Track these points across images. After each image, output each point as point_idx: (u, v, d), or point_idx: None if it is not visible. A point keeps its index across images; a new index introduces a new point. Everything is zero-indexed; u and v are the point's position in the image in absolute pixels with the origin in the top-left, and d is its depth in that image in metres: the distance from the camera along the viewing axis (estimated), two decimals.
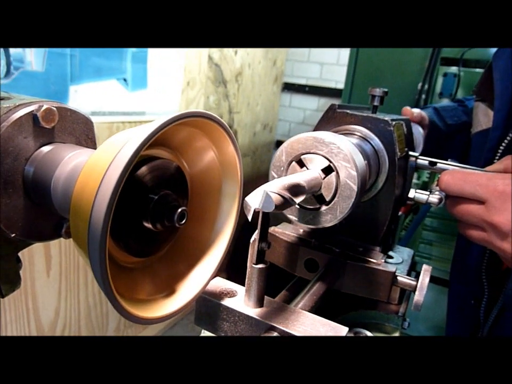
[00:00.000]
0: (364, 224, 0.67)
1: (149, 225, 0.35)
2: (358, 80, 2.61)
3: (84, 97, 1.78)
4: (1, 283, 0.42)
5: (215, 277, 0.44)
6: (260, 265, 0.42)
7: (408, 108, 1.12)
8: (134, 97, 2.03)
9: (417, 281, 0.60)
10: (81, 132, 0.45)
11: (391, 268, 0.61)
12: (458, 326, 1.07)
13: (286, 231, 0.68)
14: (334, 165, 0.48)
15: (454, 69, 2.42)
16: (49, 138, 0.42)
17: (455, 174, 0.63)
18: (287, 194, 0.38)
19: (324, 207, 0.49)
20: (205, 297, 0.45)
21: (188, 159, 0.43)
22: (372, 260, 0.62)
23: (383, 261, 0.63)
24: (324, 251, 0.64)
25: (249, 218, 0.35)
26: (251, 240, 0.41)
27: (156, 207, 0.35)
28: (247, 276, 0.42)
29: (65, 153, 0.40)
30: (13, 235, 0.40)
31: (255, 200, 0.35)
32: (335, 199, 0.48)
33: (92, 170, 0.31)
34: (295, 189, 0.40)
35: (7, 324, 1.68)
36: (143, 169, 0.35)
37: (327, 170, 0.49)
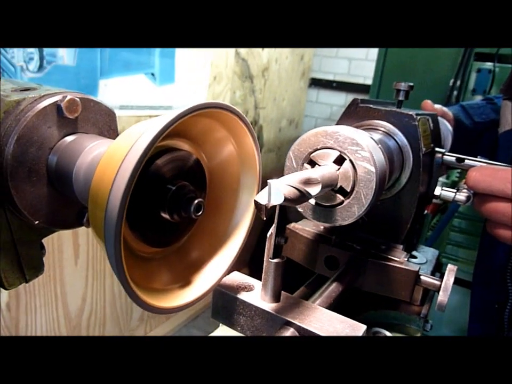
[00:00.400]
0: (387, 221, 0.65)
1: (166, 215, 0.35)
2: (387, 75, 2.55)
3: (113, 91, 1.82)
4: (25, 268, 0.44)
5: (231, 270, 0.44)
6: (277, 260, 0.41)
7: (428, 101, 1.08)
8: (162, 92, 2.06)
9: (441, 281, 0.58)
10: (104, 122, 0.46)
11: (414, 267, 0.59)
12: (481, 331, 1.04)
13: (306, 228, 0.67)
14: (344, 153, 0.46)
15: (488, 65, 2.30)
16: (72, 129, 0.43)
17: (483, 171, 0.61)
18: (300, 186, 0.37)
19: (346, 200, 0.47)
20: (222, 290, 0.45)
21: (206, 151, 0.43)
22: (394, 258, 0.60)
23: (406, 259, 0.62)
24: (344, 248, 0.62)
25: (263, 217, 0.35)
26: (268, 235, 0.40)
27: (173, 198, 0.35)
28: (263, 271, 0.42)
29: (87, 143, 0.41)
30: (36, 222, 0.41)
31: (263, 197, 0.35)
32: (356, 187, 0.46)
33: (110, 160, 0.31)
34: (308, 182, 0.40)
35: (36, 309, 1.75)
36: (162, 159, 0.36)
37: (340, 161, 0.47)
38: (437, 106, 1.10)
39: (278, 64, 3.04)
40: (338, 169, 0.47)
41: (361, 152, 0.46)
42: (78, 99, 0.42)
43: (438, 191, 0.67)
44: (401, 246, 0.64)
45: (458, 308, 1.82)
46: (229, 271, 0.42)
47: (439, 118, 0.84)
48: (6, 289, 0.43)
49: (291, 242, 0.66)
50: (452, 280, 0.57)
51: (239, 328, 0.45)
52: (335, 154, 0.47)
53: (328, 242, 0.64)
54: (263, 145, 3.15)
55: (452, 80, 2.34)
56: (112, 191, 0.28)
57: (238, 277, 0.48)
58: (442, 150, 0.70)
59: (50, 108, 0.41)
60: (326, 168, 0.46)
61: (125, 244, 0.30)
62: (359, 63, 3.51)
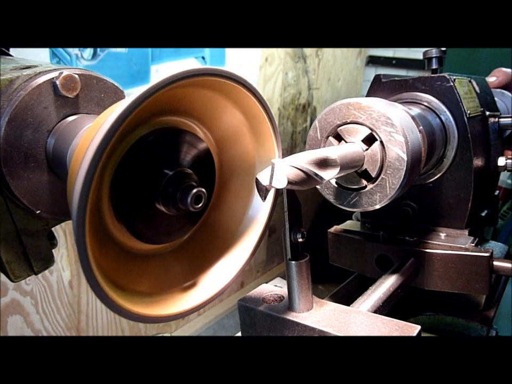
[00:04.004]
0: (442, 204, 0.57)
1: (161, 207, 0.29)
2: (450, 50, 2.32)
3: None
4: (32, 260, 0.41)
5: (241, 271, 0.37)
6: (297, 260, 0.34)
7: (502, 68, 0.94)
8: None
9: None
10: (111, 101, 0.41)
11: (485, 252, 0.50)
12: None
13: (349, 228, 0.60)
14: (376, 133, 0.40)
15: None
16: (73, 109, 0.39)
17: None
18: (308, 169, 0.31)
19: (369, 186, 0.41)
20: (246, 305, 0.39)
21: (214, 132, 0.37)
22: (458, 245, 0.53)
23: (473, 245, 0.53)
24: (395, 243, 0.55)
25: (263, 199, 0.30)
26: (282, 231, 0.33)
27: (168, 185, 0.29)
28: (286, 275, 0.35)
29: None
30: (38, 212, 0.38)
31: (265, 176, 0.30)
32: (382, 173, 0.41)
33: (85, 140, 0.26)
34: (323, 164, 0.33)
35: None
36: (158, 139, 0.30)
37: (370, 141, 0.41)
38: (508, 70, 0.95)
39: None
40: (366, 149, 0.41)
41: (395, 135, 0.40)
42: (76, 75, 0.38)
43: (502, 161, 0.59)
44: (466, 231, 0.56)
45: None
46: (240, 274, 0.36)
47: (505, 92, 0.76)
48: (12, 281, 0.41)
49: (335, 248, 0.60)
50: None
51: None
52: (365, 131, 0.41)
53: (376, 240, 0.56)
54: None
55: None
56: (80, 171, 0.23)
57: (266, 289, 0.42)
58: (496, 113, 0.61)
59: (45, 85, 0.37)
60: (352, 147, 0.40)
61: (111, 238, 0.25)
62: None
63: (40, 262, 0.42)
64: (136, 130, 0.30)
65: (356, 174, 0.42)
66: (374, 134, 0.40)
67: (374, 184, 0.41)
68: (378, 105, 0.41)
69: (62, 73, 0.37)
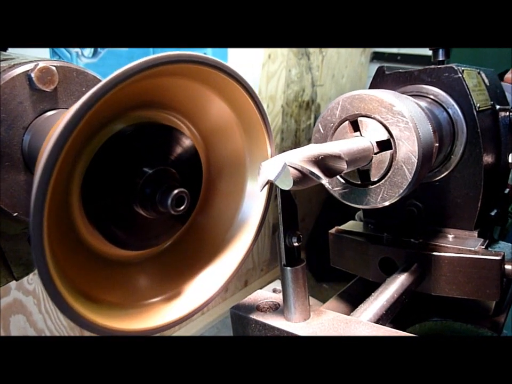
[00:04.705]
0: (449, 204, 0.54)
1: (139, 209, 0.27)
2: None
3: None
4: (11, 265, 0.39)
5: (229, 280, 0.34)
6: (293, 265, 0.32)
7: None
8: None
9: None
10: None
11: (496, 255, 0.47)
12: None
13: (351, 229, 0.58)
14: (393, 141, 0.39)
15: None
16: (51, 104, 0.36)
17: None
18: (307, 169, 0.28)
19: (379, 182, 0.40)
20: (239, 314, 0.36)
21: (201, 128, 0.34)
22: (467, 248, 0.50)
23: (483, 247, 0.50)
24: (400, 246, 0.52)
25: (260, 188, 0.28)
26: (276, 235, 0.31)
27: (146, 184, 0.26)
28: (281, 282, 0.33)
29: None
30: (15, 214, 0.36)
31: (271, 170, 0.27)
32: (382, 181, 0.39)
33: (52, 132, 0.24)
34: (328, 162, 0.30)
35: None
36: (136, 135, 0.27)
37: (384, 145, 0.39)
38: None
39: None
40: (377, 152, 0.39)
41: (406, 129, 0.38)
42: (53, 67, 0.35)
43: None
44: (475, 233, 0.53)
45: None
46: (229, 282, 0.33)
47: None
48: None
49: (336, 250, 0.58)
50: None
51: None
52: (383, 136, 0.39)
53: (379, 242, 0.54)
54: None
55: None
56: (36, 171, 0.20)
57: (261, 296, 0.39)
58: (507, 107, 0.58)
59: (19, 79, 0.34)
60: (364, 144, 0.39)
61: (81, 242, 0.23)
62: None
63: (21, 267, 0.40)
64: (112, 124, 0.28)
65: (357, 171, 0.40)
66: (392, 141, 0.39)
67: (384, 180, 0.39)
68: (388, 97, 0.39)
69: (37, 65, 0.34)
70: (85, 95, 0.21)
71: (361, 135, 0.40)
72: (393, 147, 0.39)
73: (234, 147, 0.34)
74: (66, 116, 0.21)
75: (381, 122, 0.39)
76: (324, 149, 0.31)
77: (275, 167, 0.27)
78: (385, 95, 0.39)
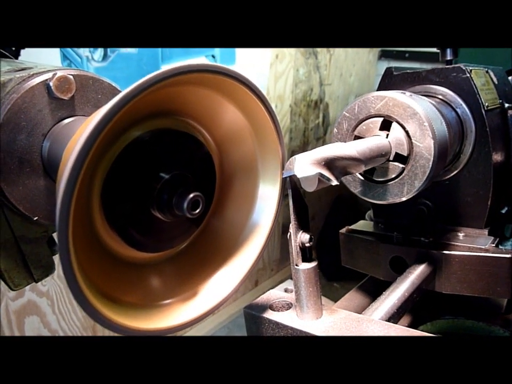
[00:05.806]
0: (459, 202, 0.54)
1: (156, 213, 0.28)
2: None
3: None
4: (32, 268, 0.40)
5: (243, 281, 0.35)
6: (305, 265, 0.32)
7: None
8: None
9: None
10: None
11: (506, 253, 0.48)
12: None
13: (362, 229, 0.59)
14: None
15: None
16: (69, 111, 0.37)
17: None
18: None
19: (394, 180, 0.41)
20: (253, 313, 0.37)
21: (215, 134, 0.35)
22: (477, 246, 0.50)
23: (494, 245, 0.50)
24: (410, 245, 0.53)
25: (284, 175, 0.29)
26: (288, 236, 0.31)
27: (164, 189, 0.27)
28: (293, 282, 0.33)
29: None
30: (35, 218, 0.37)
31: (302, 168, 0.29)
32: (409, 165, 0.41)
33: (74, 140, 0.25)
34: (343, 164, 0.31)
35: None
36: (154, 142, 0.28)
37: (387, 127, 0.41)
38: None
39: None
40: (387, 135, 0.42)
41: (422, 126, 0.39)
42: (70, 76, 0.36)
43: None
44: (485, 231, 0.54)
45: None
46: (243, 282, 0.33)
47: None
48: (12, 289, 0.40)
49: (347, 249, 0.58)
50: None
51: None
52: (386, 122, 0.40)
53: (389, 241, 0.54)
54: (330, 123, 2.99)
55: None
56: (62, 178, 0.21)
57: (274, 295, 0.40)
58: None
59: (39, 88, 0.35)
60: (372, 139, 0.40)
61: (102, 246, 0.24)
62: None
63: (41, 269, 0.41)
64: (131, 131, 0.29)
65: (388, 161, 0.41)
66: (394, 122, 0.40)
67: (400, 177, 0.41)
68: (401, 96, 0.40)
69: (55, 74, 0.35)
70: (107, 105, 0.22)
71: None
72: (409, 144, 0.40)
73: (246, 151, 0.35)
74: (89, 125, 0.21)
75: (398, 122, 0.40)
76: (339, 150, 0.32)
77: (306, 171, 0.28)
78: (398, 95, 0.40)
